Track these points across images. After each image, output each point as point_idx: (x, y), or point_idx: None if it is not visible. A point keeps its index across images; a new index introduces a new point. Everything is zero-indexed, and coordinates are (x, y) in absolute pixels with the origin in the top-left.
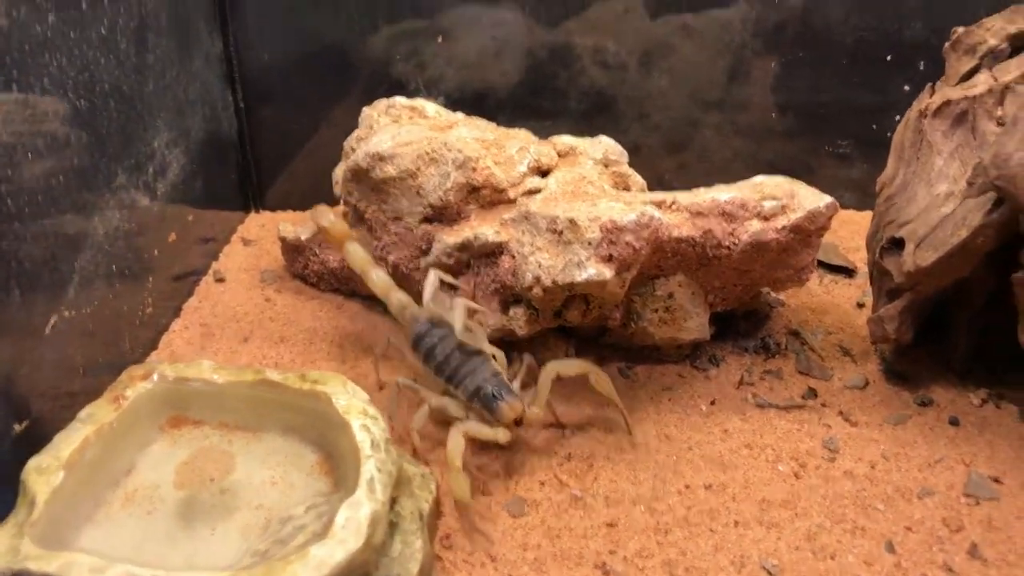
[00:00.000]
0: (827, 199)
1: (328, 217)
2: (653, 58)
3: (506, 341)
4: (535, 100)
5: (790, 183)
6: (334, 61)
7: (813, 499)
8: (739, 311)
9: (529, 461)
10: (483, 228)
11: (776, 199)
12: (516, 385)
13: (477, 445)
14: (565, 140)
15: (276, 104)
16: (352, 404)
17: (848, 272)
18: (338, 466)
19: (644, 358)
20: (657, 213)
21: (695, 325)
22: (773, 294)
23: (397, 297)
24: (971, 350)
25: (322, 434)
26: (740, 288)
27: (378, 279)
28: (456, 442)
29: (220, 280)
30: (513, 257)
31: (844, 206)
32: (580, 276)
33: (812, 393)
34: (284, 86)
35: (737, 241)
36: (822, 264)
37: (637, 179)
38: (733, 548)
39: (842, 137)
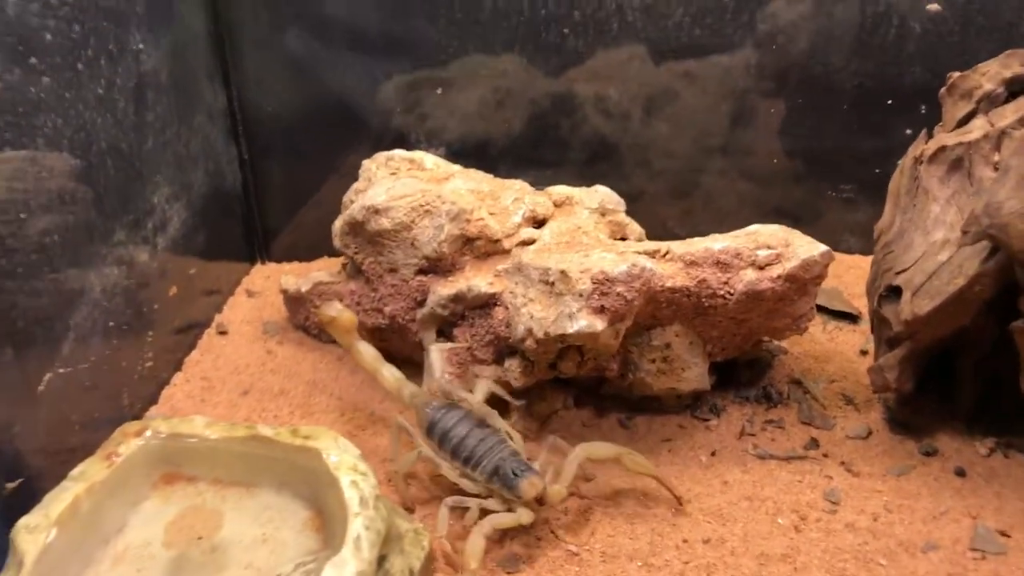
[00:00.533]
0: (821, 248)
1: (336, 307)
2: (656, 105)
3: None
4: (537, 150)
5: (785, 232)
6: (337, 113)
7: (813, 553)
8: (740, 359)
9: (529, 528)
10: (476, 280)
11: (771, 248)
12: (537, 465)
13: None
14: (561, 190)
15: (280, 156)
16: (343, 460)
17: (852, 318)
18: (328, 523)
19: (644, 408)
20: (649, 263)
21: (694, 375)
22: (775, 342)
23: (409, 390)
24: (977, 398)
25: (314, 490)
26: (739, 338)
27: (389, 375)
28: (477, 544)
29: (223, 333)
30: (506, 308)
31: (849, 251)
32: (571, 328)
33: (814, 443)
34: (287, 138)
35: (732, 291)
36: (825, 310)
37: (635, 228)
38: None
39: (846, 181)
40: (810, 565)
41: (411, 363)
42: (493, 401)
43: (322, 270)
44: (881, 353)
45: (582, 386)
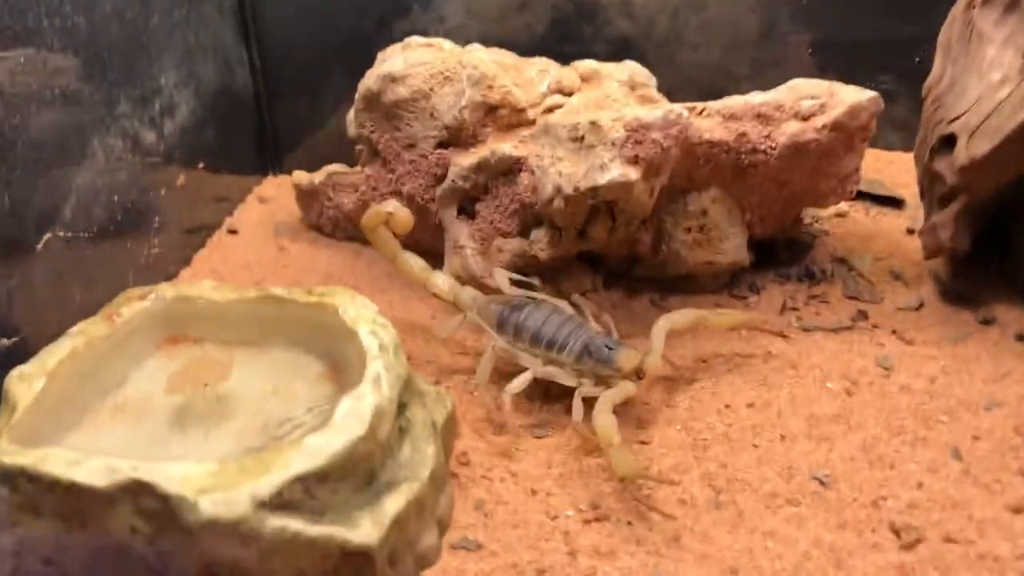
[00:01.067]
0: (869, 93)
1: (392, 203)
2: (682, 4)
3: (528, 271)
4: (558, 55)
5: (829, 83)
6: (354, 16)
7: (867, 413)
8: (780, 240)
9: (554, 386)
10: (500, 145)
11: (814, 98)
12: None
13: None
14: (588, 63)
15: (294, 64)
16: (361, 315)
17: (896, 203)
18: (344, 373)
19: (678, 289)
20: (686, 112)
21: (732, 247)
22: (816, 224)
23: (468, 294)
24: None
25: (329, 346)
26: (780, 205)
27: (443, 283)
28: (607, 420)
29: (233, 232)
30: (532, 172)
31: (889, 147)
32: (603, 178)
33: (862, 315)
34: (302, 44)
35: (774, 144)
36: (868, 196)
37: (667, 104)
38: (780, 460)
39: (883, 72)
40: (865, 423)
41: (434, 254)
42: (516, 267)
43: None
44: (933, 215)
45: (612, 268)
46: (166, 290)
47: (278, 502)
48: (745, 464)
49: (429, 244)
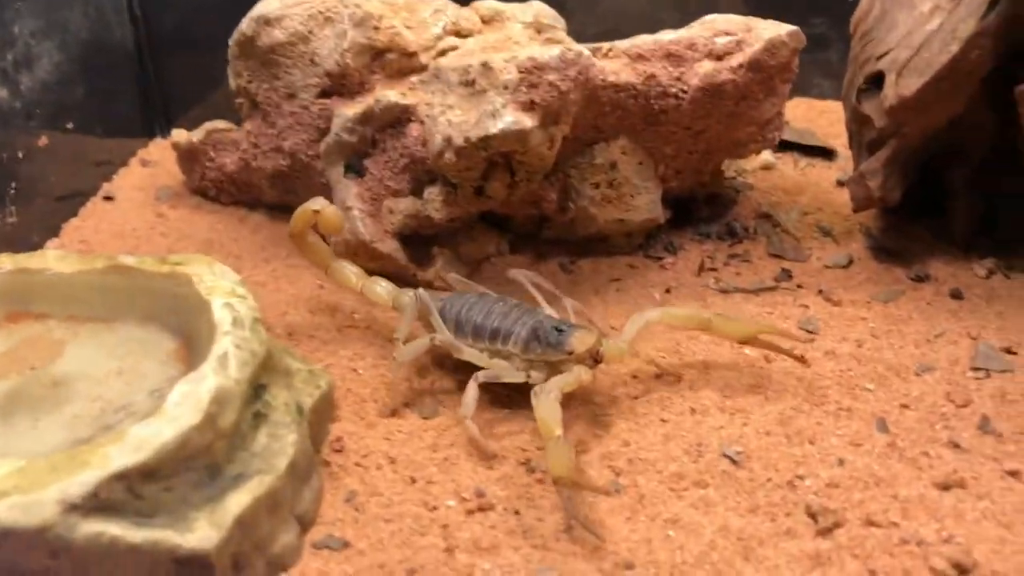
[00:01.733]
0: (789, 27)
1: (320, 201)
2: None
3: (424, 235)
4: None
5: (745, 18)
6: None
7: (787, 382)
8: (700, 195)
9: (449, 359)
10: (386, 92)
11: (729, 34)
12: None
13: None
14: (489, 4)
15: (181, 13)
16: (217, 285)
17: (827, 154)
18: (195, 350)
19: (590, 251)
20: (587, 52)
21: (645, 203)
22: (740, 177)
23: (408, 295)
24: (973, 217)
25: (183, 319)
26: (696, 156)
27: (382, 290)
28: (551, 407)
29: (108, 199)
30: (422, 123)
31: (821, 95)
32: (495, 127)
33: (786, 275)
34: None
35: (686, 87)
36: (797, 147)
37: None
38: (688, 437)
39: (816, 14)
40: (784, 394)
41: None
42: (409, 230)
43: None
44: (862, 163)
45: (519, 230)
46: (4, 261)
47: (93, 504)
48: (650, 442)
49: None
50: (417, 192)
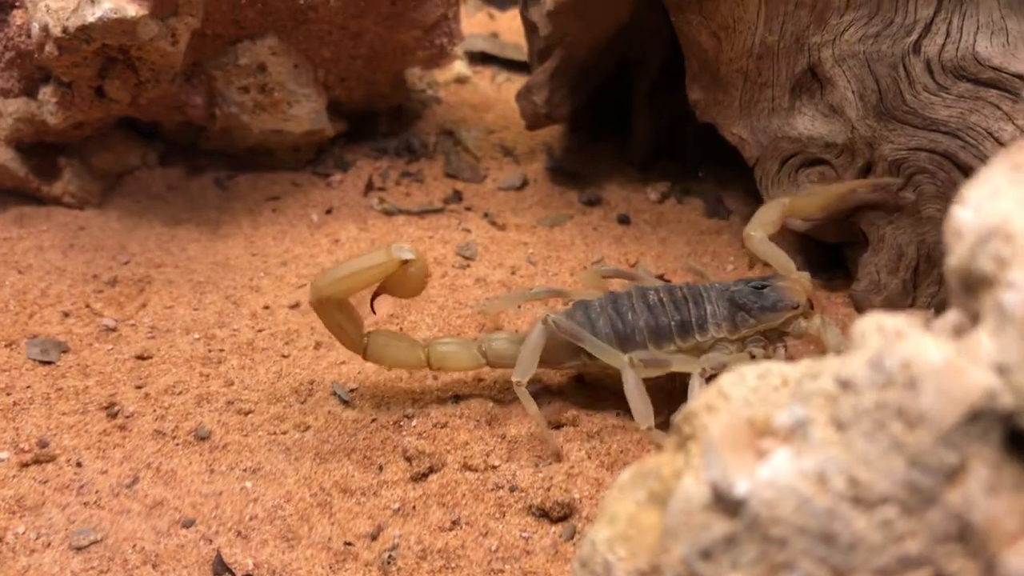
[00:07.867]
0: None
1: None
2: None
3: (48, 144)
4: None
5: None
6: None
7: (427, 311)
8: (382, 108)
9: (56, 286)
10: None
11: None
12: None
13: None
14: None
15: None
16: None
17: (527, 68)
18: None
19: (251, 166)
20: None
21: (306, 113)
22: (430, 91)
23: (535, 329)
24: (652, 136)
25: None
26: (361, 63)
27: (504, 345)
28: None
29: None
30: (26, 9)
31: None
32: (93, 15)
33: (457, 196)
34: None
35: None
36: (495, 60)
37: None
38: (303, 374)
39: None
40: (421, 323)
41: None
42: (24, 137)
43: None
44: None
45: (172, 140)
46: None
47: None
48: (259, 381)
49: None
50: (32, 93)
